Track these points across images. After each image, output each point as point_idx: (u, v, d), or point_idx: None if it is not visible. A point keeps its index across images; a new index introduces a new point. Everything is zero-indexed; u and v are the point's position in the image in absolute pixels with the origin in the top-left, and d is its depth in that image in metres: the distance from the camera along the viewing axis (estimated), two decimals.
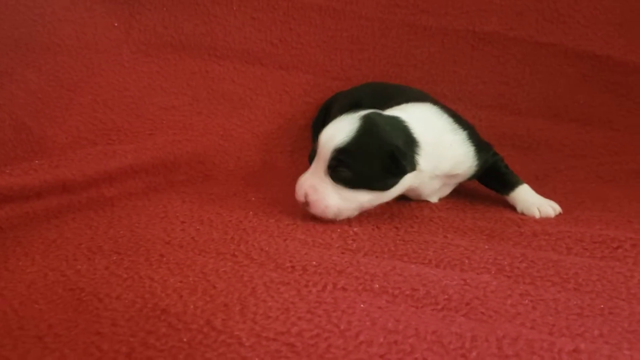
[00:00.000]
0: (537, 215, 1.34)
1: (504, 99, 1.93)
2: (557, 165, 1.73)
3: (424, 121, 1.34)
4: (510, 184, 1.42)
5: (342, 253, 1.12)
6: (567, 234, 1.19)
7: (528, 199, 1.38)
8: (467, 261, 1.08)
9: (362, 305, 0.91)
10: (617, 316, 0.89)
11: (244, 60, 1.85)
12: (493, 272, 1.04)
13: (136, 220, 1.30)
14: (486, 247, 1.15)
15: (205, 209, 1.38)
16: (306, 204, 1.26)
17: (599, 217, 1.32)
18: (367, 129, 1.23)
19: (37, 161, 1.42)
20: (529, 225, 1.27)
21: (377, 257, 1.11)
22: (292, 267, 1.05)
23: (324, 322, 0.85)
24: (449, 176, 1.41)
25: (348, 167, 1.22)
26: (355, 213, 1.29)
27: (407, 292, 0.95)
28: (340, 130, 1.24)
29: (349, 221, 1.30)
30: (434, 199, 1.46)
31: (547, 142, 1.87)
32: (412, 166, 1.24)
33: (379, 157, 1.22)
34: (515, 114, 1.92)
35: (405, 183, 1.29)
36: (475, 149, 1.41)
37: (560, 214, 1.35)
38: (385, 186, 1.26)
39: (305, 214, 1.30)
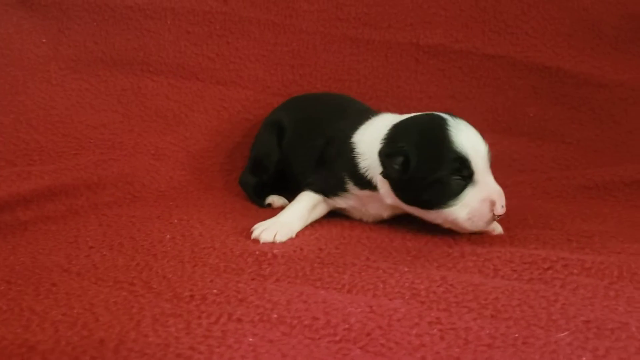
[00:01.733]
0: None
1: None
2: (504, 181, 1.64)
3: None
4: None
5: (252, 279, 1.05)
6: (497, 254, 1.11)
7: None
8: (381, 285, 1.00)
9: (250, 339, 0.83)
10: (530, 346, 0.80)
11: (179, 76, 1.78)
12: (407, 297, 0.96)
13: (42, 246, 1.23)
14: (406, 269, 1.07)
15: (120, 232, 1.31)
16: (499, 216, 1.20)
17: (537, 235, 1.24)
18: None
19: None
20: (459, 245, 1.20)
21: (289, 282, 1.03)
22: (191, 296, 0.97)
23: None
24: None
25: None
26: None
27: (306, 322, 0.87)
28: (476, 133, 1.24)
29: (270, 244, 1.23)
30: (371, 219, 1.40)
31: (496, 157, 1.76)
32: None
33: None
34: None
35: None
36: None
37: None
38: None
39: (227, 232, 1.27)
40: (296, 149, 1.52)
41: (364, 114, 1.41)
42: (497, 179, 1.63)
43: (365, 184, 1.30)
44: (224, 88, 1.80)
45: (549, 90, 1.83)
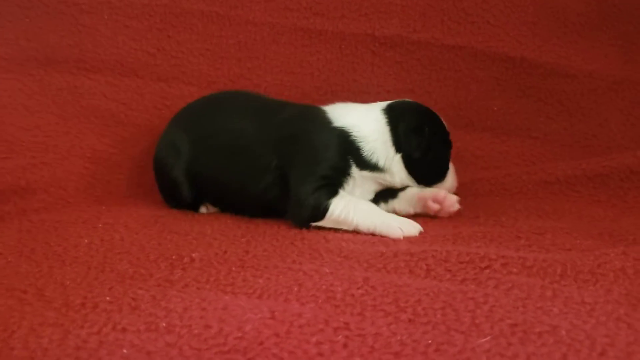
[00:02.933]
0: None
1: None
2: (463, 179, 1.54)
3: None
4: None
5: (157, 286, 0.95)
6: (432, 253, 1.01)
7: None
8: (296, 289, 0.90)
9: (125, 351, 0.73)
10: (442, 354, 0.70)
11: (117, 73, 1.67)
12: (320, 300, 0.85)
13: None
14: (328, 271, 0.96)
15: (37, 238, 1.22)
16: None
17: (484, 233, 1.14)
18: None
19: None
20: (397, 245, 1.10)
21: (197, 288, 0.93)
22: (82, 304, 0.87)
23: None
24: None
25: None
26: None
27: (196, 331, 0.77)
28: None
29: (190, 247, 1.13)
30: None
31: (458, 154, 1.68)
32: None
33: None
34: None
35: None
36: None
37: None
38: None
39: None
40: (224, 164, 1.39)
41: (299, 105, 1.43)
42: (459, 176, 1.55)
43: (370, 166, 1.30)
44: (166, 85, 1.69)
45: (513, 82, 1.73)
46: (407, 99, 1.41)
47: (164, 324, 0.79)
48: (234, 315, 0.80)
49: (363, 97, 1.72)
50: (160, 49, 1.70)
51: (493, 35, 1.73)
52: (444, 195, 1.30)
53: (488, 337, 0.73)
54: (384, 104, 1.37)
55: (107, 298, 0.88)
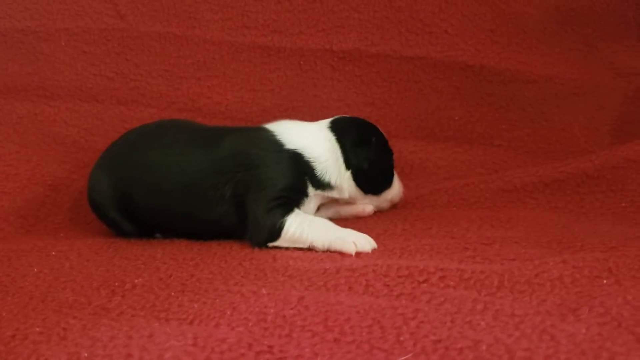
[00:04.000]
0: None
1: (370, 121, 1.72)
2: (421, 190, 1.53)
3: None
4: None
5: (92, 314, 0.94)
6: (373, 268, 1.00)
7: None
8: (229, 312, 0.89)
9: None
10: None
11: (77, 99, 1.68)
12: (251, 324, 0.85)
13: None
14: (264, 292, 0.95)
15: None
16: None
17: (431, 245, 1.12)
18: None
19: None
20: (341, 261, 1.08)
21: (131, 315, 0.92)
22: (13, 336, 0.87)
23: None
24: None
25: None
26: None
27: None
28: None
29: (137, 272, 1.12)
30: None
31: (421, 164, 1.68)
32: None
33: None
34: None
35: None
36: None
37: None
38: None
39: None
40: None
41: (242, 129, 1.43)
42: (422, 188, 1.54)
43: (323, 185, 1.32)
44: (125, 108, 1.69)
45: (473, 91, 1.72)
46: (343, 115, 1.47)
47: (85, 354, 0.78)
48: (157, 343, 0.79)
49: (324, 111, 1.71)
50: (119, 72, 1.70)
51: (451, 45, 1.73)
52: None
53: (409, 355, 0.72)
54: (328, 121, 1.39)
55: (37, 329, 0.87)
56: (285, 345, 0.77)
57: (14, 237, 1.46)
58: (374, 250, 1.13)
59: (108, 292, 1.02)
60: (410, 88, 1.74)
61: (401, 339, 0.76)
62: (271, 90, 1.76)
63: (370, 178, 1.37)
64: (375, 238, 1.21)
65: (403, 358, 0.72)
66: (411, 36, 1.73)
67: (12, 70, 1.66)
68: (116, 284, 1.06)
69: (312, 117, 1.67)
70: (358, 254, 1.13)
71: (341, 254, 1.14)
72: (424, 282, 0.94)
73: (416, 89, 1.74)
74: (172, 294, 1.00)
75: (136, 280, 1.06)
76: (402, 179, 1.59)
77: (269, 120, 1.54)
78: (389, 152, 1.42)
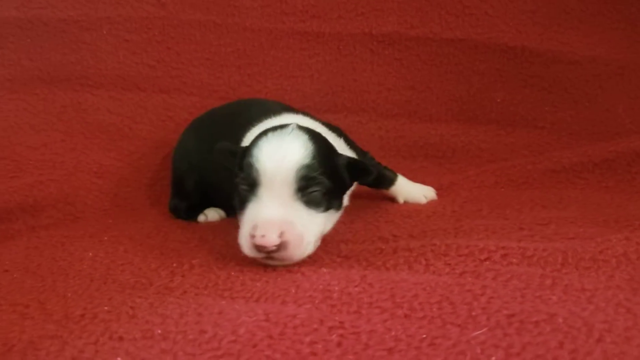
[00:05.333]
0: (423, 201, 1.35)
1: (411, 105, 1.73)
2: (468, 172, 1.52)
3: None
4: (388, 180, 1.35)
5: (156, 293, 0.95)
6: (431, 247, 1.00)
7: (410, 189, 1.37)
8: (294, 290, 0.89)
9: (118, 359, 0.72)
10: (435, 348, 0.69)
11: (119, 87, 1.69)
12: (317, 301, 0.85)
13: None
14: (325, 271, 0.96)
15: (43, 254, 1.22)
16: (278, 248, 0.96)
17: (486, 225, 1.12)
18: (317, 141, 1.04)
19: None
20: (396, 241, 1.08)
21: (195, 294, 0.93)
22: (82, 315, 0.88)
23: None
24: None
25: (319, 186, 1.01)
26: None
27: (191, 337, 0.78)
28: (292, 147, 1.01)
29: (191, 254, 1.13)
30: None
31: (463, 148, 1.67)
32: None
33: (340, 170, 1.07)
34: (425, 120, 1.73)
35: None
36: (356, 153, 1.25)
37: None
38: (340, 204, 1.11)
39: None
40: None
41: None
42: (465, 171, 1.52)
43: None
44: (168, 96, 1.70)
45: (515, 72, 1.71)
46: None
47: (159, 331, 0.79)
48: (228, 319, 0.80)
49: (364, 96, 1.72)
50: (161, 60, 1.71)
51: (492, 26, 1.71)
52: None
53: (484, 329, 0.72)
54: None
55: (106, 308, 0.89)
56: (355, 321, 0.78)
57: (64, 224, 1.48)
58: (427, 230, 1.13)
59: (168, 273, 1.03)
60: (451, 71, 1.73)
61: (473, 314, 0.76)
62: (310, 76, 1.76)
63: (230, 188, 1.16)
64: (425, 220, 1.21)
65: (478, 332, 0.71)
66: (451, 18, 1.72)
67: (55, 59, 1.67)
68: (174, 265, 1.07)
69: (352, 102, 1.68)
70: (409, 232, 1.13)
71: (394, 235, 1.13)
72: (485, 260, 0.94)
73: (457, 71, 1.73)
74: (232, 273, 1.00)
75: (193, 261, 1.07)
76: (444, 163, 1.60)
77: (309, 107, 1.55)
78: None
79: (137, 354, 0.74)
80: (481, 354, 0.67)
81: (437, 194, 1.38)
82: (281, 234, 0.95)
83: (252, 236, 0.95)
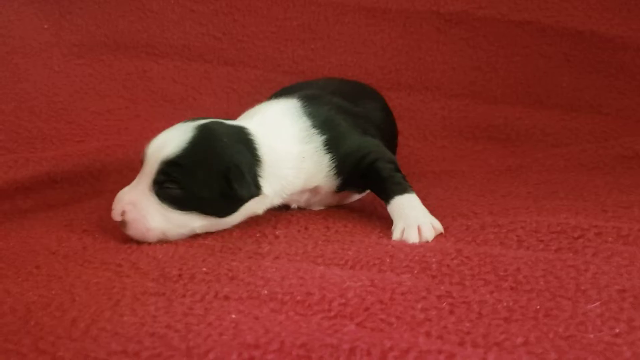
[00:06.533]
0: (411, 238, 0.99)
1: (476, 86, 1.72)
2: (535, 155, 1.51)
3: (274, 130, 1.13)
4: (387, 193, 1.09)
5: (249, 258, 0.96)
6: (521, 224, 0.99)
7: (407, 213, 1.04)
8: (388, 260, 0.90)
9: (233, 316, 0.74)
10: (553, 319, 0.69)
11: (185, 57, 1.69)
12: (416, 271, 0.85)
13: (36, 231, 1.16)
14: (417, 243, 0.96)
15: None
16: (123, 224, 1.03)
17: (568, 206, 1.11)
18: (202, 141, 1.04)
19: None
20: (479, 217, 1.08)
21: (288, 260, 0.94)
22: (179, 275, 0.89)
23: (177, 338, 0.69)
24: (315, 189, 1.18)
25: (178, 184, 1.01)
26: (186, 236, 1.07)
27: (299, 298, 0.78)
28: (171, 140, 1.04)
29: (274, 223, 1.13)
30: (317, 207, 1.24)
31: (527, 131, 1.66)
32: (250, 191, 1.03)
33: (215, 177, 1.02)
34: (490, 102, 1.71)
35: (248, 209, 1.09)
36: (336, 155, 1.15)
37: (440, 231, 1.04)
38: (221, 212, 1.06)
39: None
40: None
41: None
42: (529, 155, 1.51)
43: None
44: (232, 68, 1.71)
45: (582, 57, 1.68)
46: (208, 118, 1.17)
47: (265, 292, 0.80)
48: (333, 283, 0.80)
49: (428, 74, 1.71)
50: (226, 32, 1.71)
51: (561, 10, 1.68)
52: None
53: (597, 303, 0.72)
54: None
55: (204, 269, 0.90)
56: (461, 291, 0.78)
57: None
58: (508, 207, 1.12)
59: (254, 240, 1.04)
60: (517, 53, 1.71)
61: (582, 288, 0.76)
62: (374, 52, 1.75)
63: None
64: (501, 199, 1.21)
65: (592, 305, 0.71)
66: (520, 0, 1.69)
67: (122, 27, 1.67)
68: (257, 234, 1.07)
69: (416, 80, 1.67)
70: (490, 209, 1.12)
71: (475, 212, 1.12)
72: (579, 237, 0.93)
73: (524, 54, 1.71)
74: (319, 242, 1.01)
75: (277, 232, 1.08)
76: (508, 146, 1.58)
77: (372, 84, 1.54)
78: None
79: (249, 311, 0.75)
80: (602, 325, 0.67)
81: (506, 175, 1.38)
82: (123, 213, 1.03)
83: None
